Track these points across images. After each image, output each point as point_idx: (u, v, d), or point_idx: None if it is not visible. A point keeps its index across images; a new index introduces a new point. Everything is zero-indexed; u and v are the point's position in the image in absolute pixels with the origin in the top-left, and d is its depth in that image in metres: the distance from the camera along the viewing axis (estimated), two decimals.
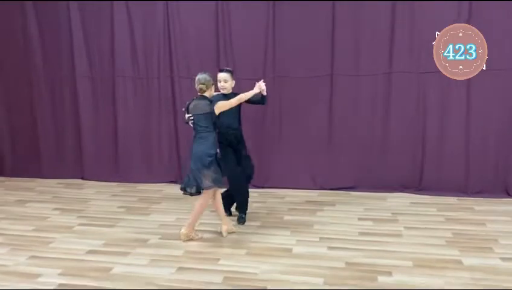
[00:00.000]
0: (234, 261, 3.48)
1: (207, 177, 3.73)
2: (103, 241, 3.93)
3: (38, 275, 3.29)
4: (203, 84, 3.83)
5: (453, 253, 3.57)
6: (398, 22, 5.01)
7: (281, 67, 5.35)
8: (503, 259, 3.45)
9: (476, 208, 4.69)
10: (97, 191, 5.59)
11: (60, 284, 3.15)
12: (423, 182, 5.23)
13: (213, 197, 3.94)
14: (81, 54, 5.82)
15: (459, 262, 3.40)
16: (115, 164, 6.00)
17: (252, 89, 4.04)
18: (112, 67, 5.76)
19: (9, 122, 6.25)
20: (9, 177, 6.28)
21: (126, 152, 5.93)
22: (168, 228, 4.24)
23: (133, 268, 3.40)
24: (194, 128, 3.83)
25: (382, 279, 3.16)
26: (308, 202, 5.02)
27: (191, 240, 3.87)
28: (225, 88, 4.12)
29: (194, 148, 3.79)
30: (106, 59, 5.78)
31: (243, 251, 3.67)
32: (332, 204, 4.91)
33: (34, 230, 4.25)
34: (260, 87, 4.07)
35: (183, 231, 3.88)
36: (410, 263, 3.39)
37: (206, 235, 4.02)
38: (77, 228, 4.31)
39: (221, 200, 4.04)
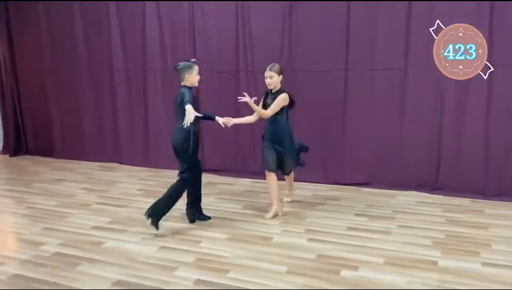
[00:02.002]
0: (213, 245, 3.70)
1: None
2: (110, 219, 4.35)
3: (43, 244, 3.76)
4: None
5: (433, 254, 3.48)
6: (415, 15, 4.85)
7: (297, 61, 5.42)
8: (484, 264, 3.31)
9: (487, 211, 4.46)
10: (127, 175, 6.09)
11: (55, 253, 3.58)
12: (439, 182, 5.05)
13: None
14: (118, 50, 6.36)
15: (434, 263, 3.33)
16: (146, 150, 6.48)
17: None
18: (144, 61, 6.22)
19: (59, 111, 7.01)
20: (58, 159, 7.04)
21: (156, 139, 6.38)
22: (171, 211, 4.51)
23: (123, 244, 3.75)
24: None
25: (345, 273, 3.20)
26: (314, 195, 5.08)
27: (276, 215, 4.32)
28: None
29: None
30: (139, 54, 6.25)
31: (226, 236, 3.88)
32: (337, 199, 4.93)
33: (57, 205, 4.80)
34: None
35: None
36: (381, 260, 3.38)
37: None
38: (94, 206, 4.78)
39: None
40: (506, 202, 4.68)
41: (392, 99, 5.13)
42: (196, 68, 3.96)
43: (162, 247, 3.68)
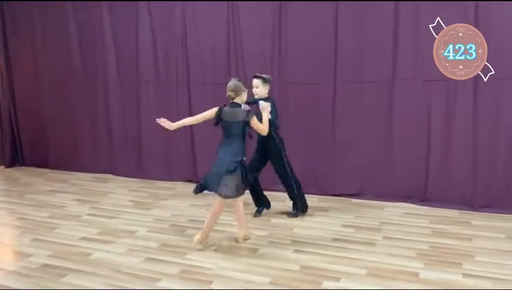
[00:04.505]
0: (199, 257, 3.73)
1: (228, 184, 3.71)
2: (98, 231, 4.39)
3: (30, 255, 3.80)
4: (232, 91, 3.82)
5: (415, 265, 3.51)
6: (402, 28, 4.94)
7: (287, 73, 5.51)
8: (465, 275, 3.34)
9: (473, 222, 4.49)
10: (119, 186, 6.13)
11: (44, 265, 3.62)
12: (428, 194, 5.08)
13: (236, 203, 3.95)
14: (112, 62, 6.46)
15: (415, 274, 3.36)
16: (139, 161, 6.53)
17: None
18: (137, 73, 6.31)
19: (54, 122, 7.08)
20: (53, 170, 7.10)
21: (148, 151, 6.44)
22: (159, 223, 4.61)
23: (109, 255, 3.78)
24: (224, 133, 3.86)
25: (327, 284, 3.23)
26: None
27: (205, 247, 3.87)
28: (257, 94, 4.41)
29: (221, 152, 3.79)
30: (132, 67, 6.35)
31: (213, 248, 3.91)
32: (326, 210, 4.96)
33: (48, 217, 4.84)
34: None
35: (197, 237, 3.85)
36: (363, 272, 3.41)
37: (188, 231, 4.32)
38: (84, 217, 4.83)
39: (242, 208, 4.01)
40: (493, 214, 4.71)
41: (380, 111, 5.19)
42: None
43: (148, 258, 3.71)
